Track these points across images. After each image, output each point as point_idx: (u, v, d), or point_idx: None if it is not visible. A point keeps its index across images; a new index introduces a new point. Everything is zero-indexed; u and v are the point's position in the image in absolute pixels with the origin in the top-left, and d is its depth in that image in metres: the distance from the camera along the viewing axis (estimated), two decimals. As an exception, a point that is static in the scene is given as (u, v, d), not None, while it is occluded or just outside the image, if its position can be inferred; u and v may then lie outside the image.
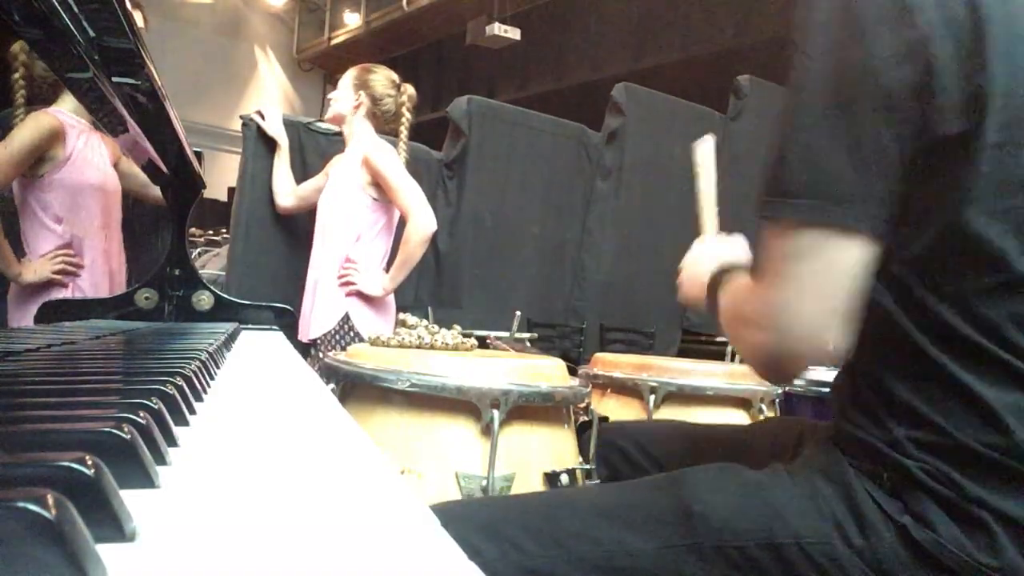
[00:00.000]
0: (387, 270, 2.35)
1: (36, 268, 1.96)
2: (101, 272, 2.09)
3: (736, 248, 1.05)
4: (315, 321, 2.31)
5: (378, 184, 2.32)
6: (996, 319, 0.70)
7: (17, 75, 1.92)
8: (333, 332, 2.30)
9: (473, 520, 0.80)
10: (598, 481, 1.25)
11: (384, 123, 2.46)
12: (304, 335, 2.30)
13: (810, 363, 0.75)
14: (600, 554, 0.76)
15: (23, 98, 1.93)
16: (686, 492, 0.79)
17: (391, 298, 2.40)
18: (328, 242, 2.35)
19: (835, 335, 0.71)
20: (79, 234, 2.03)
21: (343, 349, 2.16)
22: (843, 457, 0.77)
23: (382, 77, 2.44)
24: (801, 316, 0.71)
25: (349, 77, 2.44)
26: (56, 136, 1.96)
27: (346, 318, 2.30)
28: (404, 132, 2.48)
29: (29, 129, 1.91)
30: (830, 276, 0.70)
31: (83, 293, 2.01)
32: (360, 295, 2.31)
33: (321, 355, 2.25)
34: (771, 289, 0.73)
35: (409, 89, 2.49)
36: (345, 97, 2.41)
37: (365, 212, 2.34)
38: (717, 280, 0.90)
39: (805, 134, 0.71)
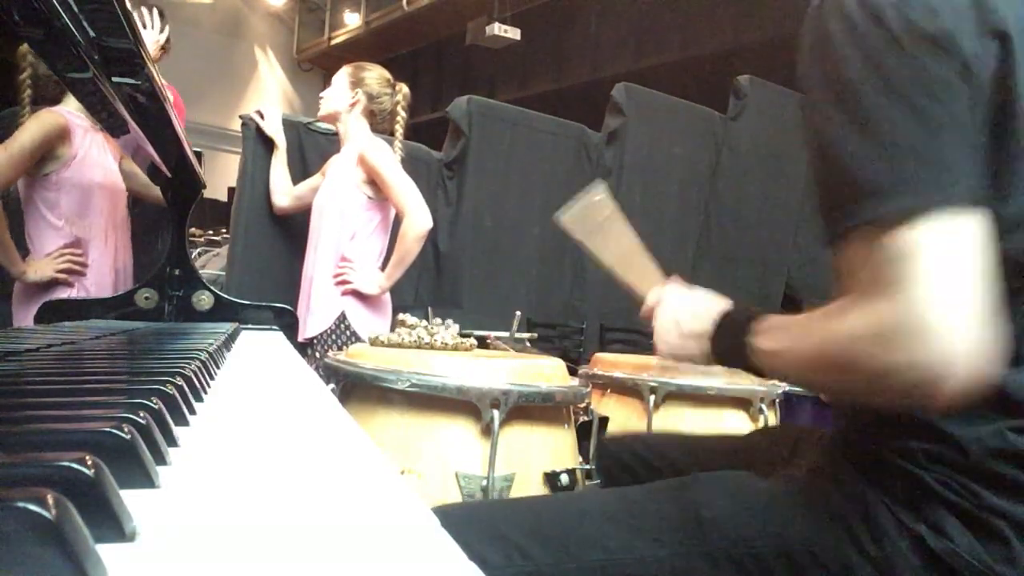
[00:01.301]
0: (383, 268, 2.35)
1: (40, 267, 1.96)
2: (106, 271, 2.09)
3: (705, 297, 0.92)
4: (311, 320, 2.30)
5: (374, 182, 2.31)
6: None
7: (24, 75, 1.92)
8: (330, 331, 2.29)
9: (477, 524, 0.78)
10: (598, 482, 1.25)
11: (379, 122, 2.45)
12: (300, 334, 2.29)
13: (970, 369, 0.60)
14: (609, 561, 0.75)
15: (29, 97, 1.93)
16: (696, 498, 0.78)
17: (387, 297, 2.39)
18: (324, 240, 2.35)
19: (988, 326, 0.60)
20: (83, 233, 2.03)
21: (340, 348, 2.16)
22: (853, 467, 0.76)
23: (377, 75, 2.44)
24: (946, 311, 0.59)
25: (344, 75, 2.43)
26: (62, 135, 1.95)
27: (342, 317, 2.29)
28: (399, 132, 2.47)
29: (34, 128, 1.91)
30: (958, 258, 0.61)
31: (87, 292, 2.01)
32: (356, 294, 2.30)
33: (318, 354, 2.24)
34: (889, 301, 0.61)
35: (404, 89, 2.49)
36: (340, 95, 2.40)
37: (360, 210, 2.33)
38: (744, 326, 0.78)
39: (861, 130, 0.64)
